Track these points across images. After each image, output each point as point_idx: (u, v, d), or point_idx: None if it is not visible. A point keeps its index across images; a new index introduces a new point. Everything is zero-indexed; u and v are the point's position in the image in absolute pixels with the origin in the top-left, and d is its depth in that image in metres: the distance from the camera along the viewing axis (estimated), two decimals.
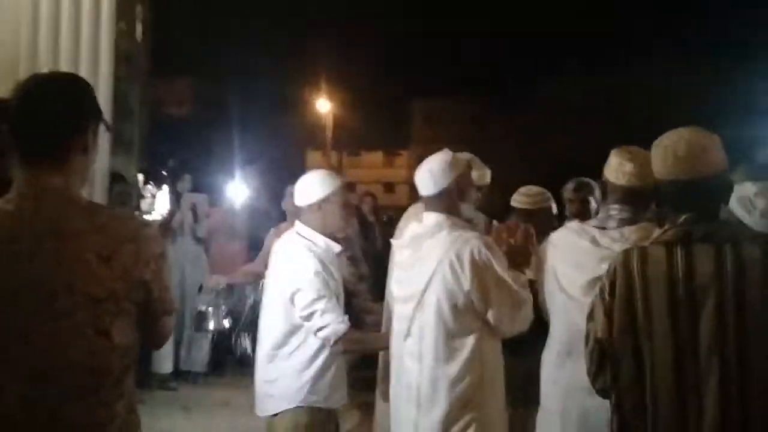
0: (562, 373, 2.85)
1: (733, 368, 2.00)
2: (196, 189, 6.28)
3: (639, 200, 2.83)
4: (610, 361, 2.14)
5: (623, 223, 2.81)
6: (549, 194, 3.94)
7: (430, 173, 3.00)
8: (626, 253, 2.16)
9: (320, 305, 3.13)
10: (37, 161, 1.79)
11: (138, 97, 6.96)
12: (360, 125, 32.76)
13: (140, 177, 1.73)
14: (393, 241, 3.31)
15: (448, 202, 2.98)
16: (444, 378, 2.83)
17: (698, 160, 2.11)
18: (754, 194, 2.79)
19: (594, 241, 2.83)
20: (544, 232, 3.26)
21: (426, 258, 2.91)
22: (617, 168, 2.85)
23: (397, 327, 3.05)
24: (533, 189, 3.92)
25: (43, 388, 1.72)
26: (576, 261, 2.86)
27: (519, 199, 3.91)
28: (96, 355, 1.76)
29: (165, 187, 1.75)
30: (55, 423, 1.73)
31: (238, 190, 7.84)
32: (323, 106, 27.52)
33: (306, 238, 3.28)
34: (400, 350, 3.02)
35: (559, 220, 3.88)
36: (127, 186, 4.76)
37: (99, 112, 1.92)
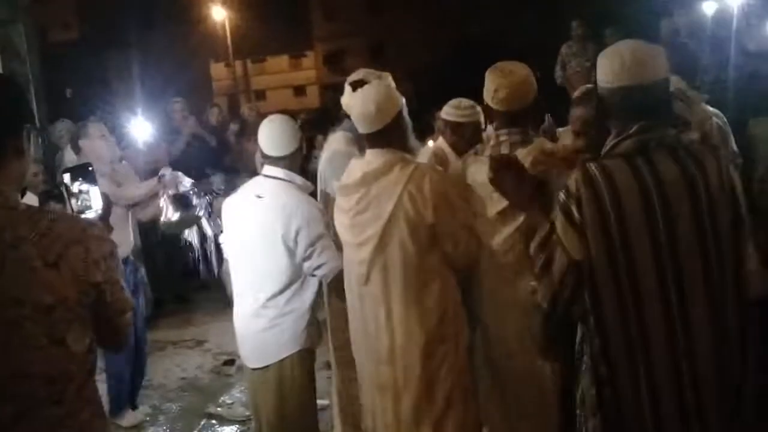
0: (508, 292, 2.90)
1: (714, 266, 2.06)
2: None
3: (524, 119, 2.87)
4: (588, 283, 2.09)
5: (516, 146, 2.83)
6: (479, 108, 3.89)
7: (376, 108, 2.89)
8: (586, 170, 2.10)
9: (321, 243, 3.15)
10: None
11: (24, 36, 6.63)
12: (260, 31, 31.73)
13: (67, 176, 1.66)
14: (335, 184, 3.25)
15: (396, 135, 2.93)
16: (416, 315, 2.86)
17: (645, 66, 2.12)
18: (685, 88, 2.84)
19: None
20: (471, 144, 3.33)
21: (381, 197, 2.86)
22: (495, 94, 2.86)
23: (354, 272, 3.02)
24: (464, 102, 3.92)
25: (2, 401, 1.67)
26: (483, 196, 2.88)
27: (449, 111, 3.91)
28: (53, 364, 1.70)
29: (95, 184, 1.74)
30: None
31: (145, 125, 7.43)
32: (218, 14, 26.51)
33: (289, 180, 3.29)
34: (357, 295, 3.02)
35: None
36: (35, 130, 4.55)
37: (32, 114, 1.84)
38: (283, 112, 5.20)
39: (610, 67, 2.15)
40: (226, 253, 3.56)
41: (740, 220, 2.12)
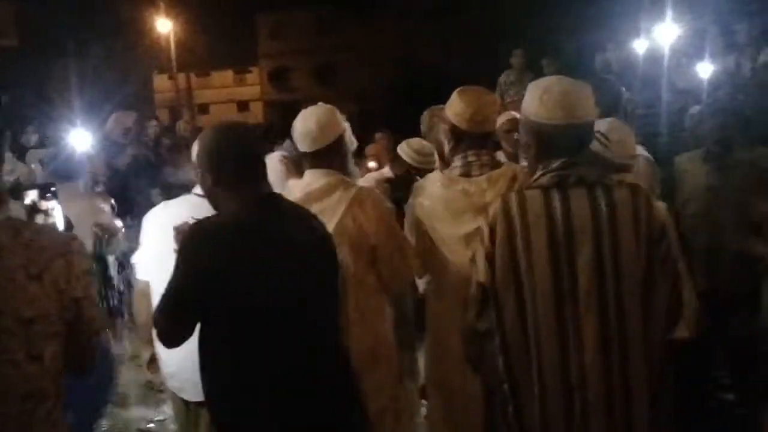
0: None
1: (611, 304, 2.12)
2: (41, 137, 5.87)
3: (490, 141, 2.90)
4: (494, 304, 2.19)
5: (487, 168, 2.82)
6: (436, 156, 3.92)
7: (318, 127, 2.85)
8: (505, 198, 2.21)
9: None
10: None
11: None
12: (205, 44, 31.47)
13: (34, 192, 1.63)
14: None
15: (337, 157, 2.90)
16: (350, 333, 2.78)
17: (578, 105, 2.18)
18: (606, 130, 2.83)
19: (465, 193, 2.82)
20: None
21: (323, 217, 2.76)
22: (468, 116, 2.82)
23: None
24: (426, 148, 3.88)
25: None
26: (451, 215, 2.84)
27: (411, 155, 3.88)
28: (28, 381, 1.62)
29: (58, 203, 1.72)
30: None
31: (84, 136, 7.30)
32: (164, 26, 26.18)
33: None
34: None
35: None
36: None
37: (6, 122, 1.81)
38: None
39: (542, 104, 2.20)
40: (141, 273, 3.10)
41: (659, 260, 2.16)
